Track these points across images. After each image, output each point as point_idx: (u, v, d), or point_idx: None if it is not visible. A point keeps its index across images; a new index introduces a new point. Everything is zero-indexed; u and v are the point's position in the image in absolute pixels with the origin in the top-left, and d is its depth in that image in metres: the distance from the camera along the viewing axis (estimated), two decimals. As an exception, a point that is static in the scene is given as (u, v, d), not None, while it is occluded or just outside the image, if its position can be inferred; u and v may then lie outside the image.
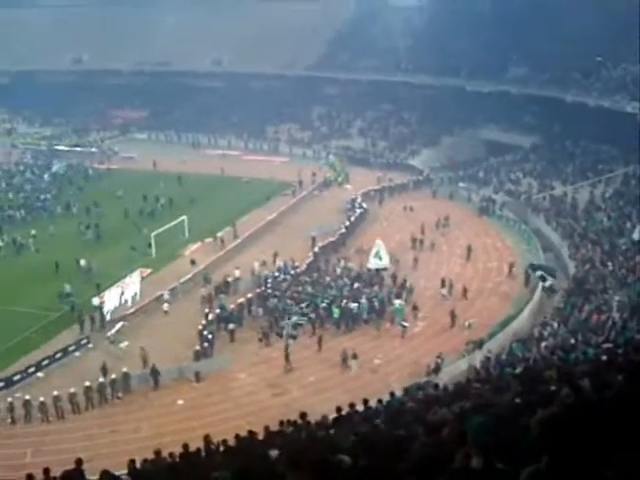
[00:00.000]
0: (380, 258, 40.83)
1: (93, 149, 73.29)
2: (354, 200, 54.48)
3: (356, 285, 38.65)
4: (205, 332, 33.28)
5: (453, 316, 35.36)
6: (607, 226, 43.76)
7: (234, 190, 57.70)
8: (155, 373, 30.13)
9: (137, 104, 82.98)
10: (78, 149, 72.84)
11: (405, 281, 39.34)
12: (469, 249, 44.55)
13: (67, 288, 38.16)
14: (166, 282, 39.61)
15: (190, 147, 73.66)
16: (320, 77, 77.59)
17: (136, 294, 38.26)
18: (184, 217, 47.47)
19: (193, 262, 43.30)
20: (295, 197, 56.85)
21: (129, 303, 37.58)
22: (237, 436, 15.32)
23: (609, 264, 37.68)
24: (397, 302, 36.64)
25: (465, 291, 38.55)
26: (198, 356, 32.09)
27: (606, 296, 33.38)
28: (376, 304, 36.35)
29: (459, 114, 67.26)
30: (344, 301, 36.14)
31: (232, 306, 36.34)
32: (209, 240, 46.68)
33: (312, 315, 35.65)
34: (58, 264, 41.49)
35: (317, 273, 41.15)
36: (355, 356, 31.48)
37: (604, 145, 56.16)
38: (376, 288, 38.72)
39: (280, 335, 34.06)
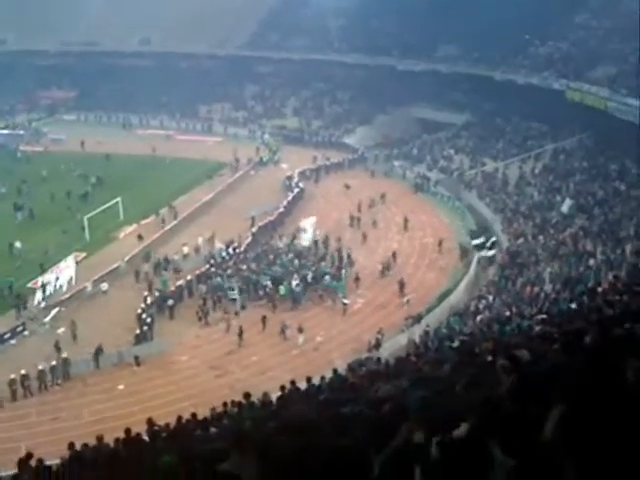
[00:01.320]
0: (307, 234, 41.49)
1: (21, 131, 70.93)
2: (291, 179, 54.49)
3: (300, 261, 39.13)
4: (144, 315, 32.92)
5: (402, 285, 36.31)
6: (537, 200, 45.03)
7: (168, 171, 56.86)
8: (98, 353, 29.96)
9: (65, 85, 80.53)
10: (5, 131, 70.39)
11: (348, 256, 39.89)
12: (406, 220, 45.71)
13: None
14: (101, 265, 38.92)
15: (121, 128, 72.05)
16: (252, 56, 76.70)
17: (72, 278, 37.47)
18: (118, 199, 46.57)
19: (140, 237, 43.54)
20: (231, 177, 56.43)
21: (64, 288, 36.77)
22: (179, 419, 15.27)
23: (540, 237, 38.88)
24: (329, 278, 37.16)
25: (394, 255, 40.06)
26: (138, 340, 31.76)
27: (539, 268, 34.46)
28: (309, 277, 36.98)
29: (392, 93, 67.68)
30: (289, 278, 36.54)
31: (172, 288, 36.15)
32: (145, 222, 46.07)
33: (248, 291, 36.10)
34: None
35: (260, 250, 41.26)
36: (301, 330, 31.92)
37: (534, 122, 57.55)
38: (322, 264, 39.26)
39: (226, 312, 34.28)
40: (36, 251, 40.23)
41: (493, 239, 39.45)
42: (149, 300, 34.52)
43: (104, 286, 36.94)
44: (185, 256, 40.72)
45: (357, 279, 37.57)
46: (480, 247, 38.53)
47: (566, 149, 51.89)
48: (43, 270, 37.29)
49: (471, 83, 62.72)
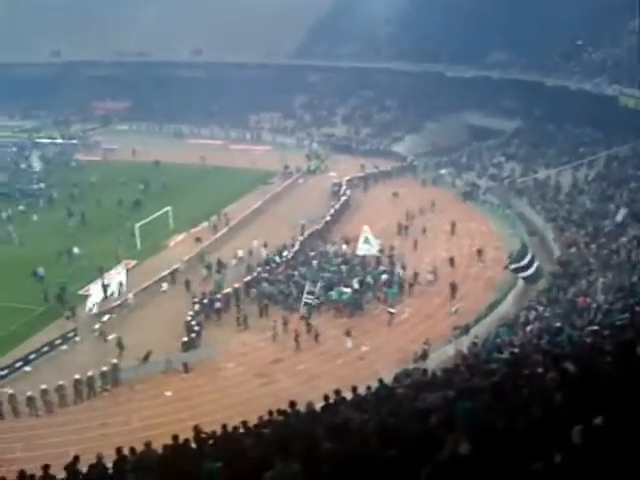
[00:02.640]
0: (370, 244, 41.00)
1: (75, 141, 72.82)
2: (339, 187, 54.55)
3: (348, 267, 39.39)
4: (192, 322, 33.25)
5: (454, 288, 36.26)
6: (590, 209, 44.07)
7: (217, 180, 57.57)
8: (147, 358, 30.65)
9: (118, 95, 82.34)
10: (60, 141, 72.34)
11: (402, 266, 39.83)
12: (453, 225, 45.84)
13: (40, 271, 38.74)
14: (151, 273, 39.54)
15: (172, 137, 73.31)
16: (301, 65, 77.37)
17: (122, 286, 38.10)
18: (169, 208, 47.30)
19: (199, 239, 45.04)
20: (280, 186, 56.79)
21: (115, 295, 37.42)
22: (224, 427, 15.32)
23: (593, 246, 38.00)
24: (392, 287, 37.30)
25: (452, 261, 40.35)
26: (186, 347, 32.06)
27: (591, 278, 33.67)
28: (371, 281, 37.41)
29: (441, 100, 67.39)
30: (342, 284, 36.99)
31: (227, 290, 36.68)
32: (194, 230, 46.68)
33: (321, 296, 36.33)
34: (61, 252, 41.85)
35: (312, 258, 41.41)
36: (349, 333, 32.09)
37: (586, 128, 56.48)
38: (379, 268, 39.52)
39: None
40: (89, 258, 41.08)
41: (529, 257, 38.18)
42: (197, 307, 34.89)
43: (164, 286, 38.20)
44: (240, 259, 41.46)
45: (411, 285, 37.53)
46: (519, 270, 37.38)
47: (619, 156, 50.71)
48: (102, 273, 38.07)
49: (522, 89, 61.97)
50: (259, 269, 39.41)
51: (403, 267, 39.56)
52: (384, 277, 38.13)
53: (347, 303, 35.67)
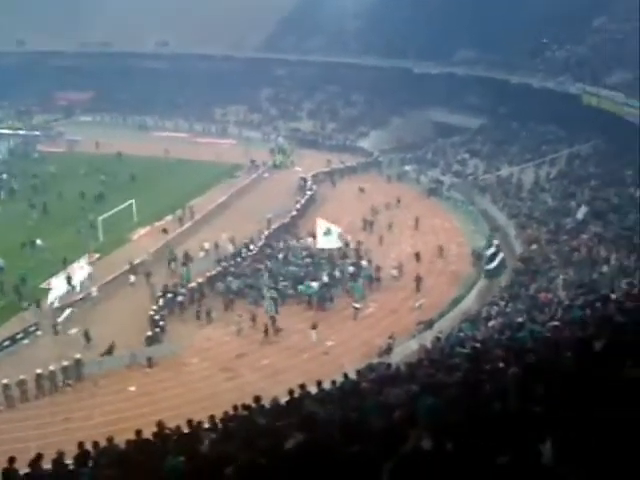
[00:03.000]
0: (330, 235, 41.09)
1: (37, 132, 71.58)
2: (304, 182, 54.58)
3: (315, 261, 39.64)
4: (156, 317, 33.01)
5: (419, 281, 36.65)
6: (552, 206, 44.74)
7: (182, 173, 57.12)
8: (111, 351, 30.63)
9: (81, 86, 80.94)
10: (22, 132, 71.02)
11: (369, 260, 40.00)
12: (417, 220, 46.36)
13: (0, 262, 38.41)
14: (115, 267, 39.11)
15: (136, 130, 72.47)
16: (268, 58, 77.01)
17: (85, 279, 37.63)
18: (132, 201, 46.80)
19: (165, 231, 44.84)
20: (245, 180, 56.57)
21: (77, 289, 36.93)
22: (189, 422, 15.26)
23: (554, 243, 38.61)
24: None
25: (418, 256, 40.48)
26: (150, 342, 31.82)
27: (552, 275, 34.22)
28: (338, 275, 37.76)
29: (407, 96, 67.70)
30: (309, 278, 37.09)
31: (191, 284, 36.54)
32: (159, 223, 46.30)
33: (289, 291, 36.45)
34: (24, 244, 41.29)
35: (278, 251, 41.50)
36: (315, 326, 32.27)
37: (549, 126, 57.27)
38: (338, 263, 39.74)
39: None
40: (51, 250, 40.48)
41: (492, 250, 39.02)
42: (161, 302, 34.62)
43: (132, 278, 38.00)
44: (207, 252, 41.48)
45: (376, 279, 37.79)
46: (491, 258, 38.12)
47: (581, 154, 51.56)
48: (65, 265, 37.64)
49: (487, 87, 62.54)
50: (224, 263, 39.28)
51: (369, 261, 39.74)
52: (351, 269, 38.39)
53: (316, 297, 35.77)
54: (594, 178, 46.51)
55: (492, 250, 39.43)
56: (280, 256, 40.53)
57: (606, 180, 45.45)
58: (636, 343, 8.34)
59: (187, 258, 40.46)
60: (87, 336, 31.57)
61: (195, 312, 34.71)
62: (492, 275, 38.00)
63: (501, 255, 38.77)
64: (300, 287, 36.39)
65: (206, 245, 42.04)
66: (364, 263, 39.40)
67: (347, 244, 41.96)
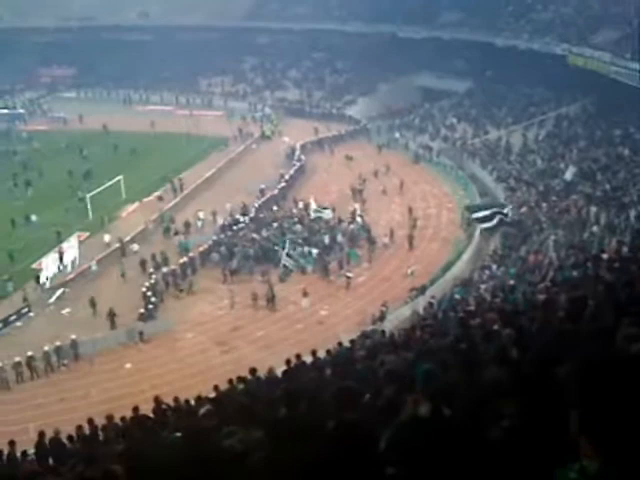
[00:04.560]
0: (320, 212, 41.40)
1: (21, 110, 70.61)
2: (293, 152, 54.29)
3: (312, 228, 39.95)
4: (149, 294, 32.94)
5: (411, 239, 37.63)
6: (541, 168, 44.73)
7: (169, 147, 56.59)
8: (112, 315, 31.06)
9: (64, 62, 79.72)
10: (5, 111, 69.99)
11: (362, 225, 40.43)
12: (401, 184, 46.72)
13: None
14: (105, 245, 38.98)
15: (121, 104, 71.63)
16: (251, 27, 75.98)
17: (75, 259, 37.46)
18: (120, 177, 46.37)
19: (161, 198, 45.88)
20: (233, 152, 56.19)
21: (69, 269, 36.77)
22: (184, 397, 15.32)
23: (544, 205, 38.66)
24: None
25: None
26: (143, 319, 31.81)
27: (542, 236, 34.33)
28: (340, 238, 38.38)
29: (393, 61, 67.05)
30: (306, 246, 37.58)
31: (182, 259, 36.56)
32: (147, 199, 46.03)
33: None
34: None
35: (273, 220, 41.74)
36: (306, 293, 32.57)
37: (536, 88, 56.96)
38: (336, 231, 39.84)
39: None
40: (45, 226, 40.30)
41: (495, 209, 38.87)
42: (153, 278, 34.52)
43: (135, 247, 38.26)
44: (203, 222, 42.07)
45: (373, 241, 38.20)
46: (483, 220, 38.05)
47: (569, 115, 51.43)
48: (59, 238, 37.82)
49: (473, 50, 61.99)
50: (221, 235, 39.51)
51: (364, 220, 40.44)
52: (352, 227, 39.29)
53: (312, 265, 36.15)
54: (582, 139, 46.51)
55: (490, 211, 39.16)
56: (275, 225, 40.67)
57: (594, 140, 45.46)
58: (629, 301, 8.35)
59: (187, 226, 40.79)
60: (93, 303, 31.93)
61: (186, 286, 34.73)
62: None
63: (499, 217, 38.49)
64: (301, 260, 36.57)
65: (201, 215, 42.39)
66: (359, 220, 40.12)
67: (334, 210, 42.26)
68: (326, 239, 37.94)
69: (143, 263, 36.43)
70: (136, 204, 45.52)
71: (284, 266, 35.68)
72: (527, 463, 4.29)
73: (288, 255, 36.22)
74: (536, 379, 5.68)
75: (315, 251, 36.79)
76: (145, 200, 45.95)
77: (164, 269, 35.61)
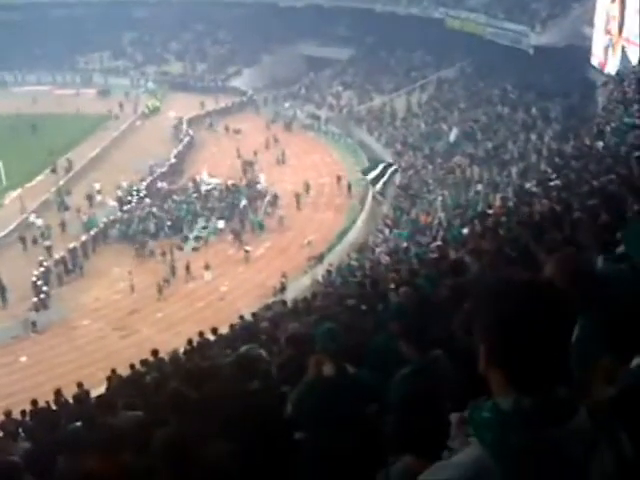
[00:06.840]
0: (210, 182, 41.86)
1: None
2: (179, 127, 53.25)
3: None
4: (39, 283, 31.65)
5: (297, 197, 38.98)
6: (425, 131, 45.95)
7: (49, 128, 54.01)
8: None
9: None
10: None
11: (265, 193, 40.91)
12: (283, 154, 47.03)
13: None
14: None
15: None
16: (127, 1, 73.27)
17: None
18: (-1, 163, 44.05)
19: (54, 171, 44.67)
20: (117, 130, 54.43)
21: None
22: (80, 385, 14.91)
23: (430, 167, 39.86)
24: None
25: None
26: (36, 308, 30.61)
27: (430, 198, 35.45)
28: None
29: (275, 31, 66.59)
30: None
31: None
32: (31, 185, 44.00)
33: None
34: None
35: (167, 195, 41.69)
36: (207, 266, 32.50)
37: (416, 52, 58.16)
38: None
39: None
40: None
41: (383, 164, 39.49)
42: (46, 264, 33.12)
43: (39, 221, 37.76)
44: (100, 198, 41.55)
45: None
46: (376, 179, 38.64)
47: (449, 78, 52.90)
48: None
49: (353, 16, 62.33)
50: (118, 212, 39.17)
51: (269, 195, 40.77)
52: (258, 187, 40.64)
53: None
54: (462, 100, 48.01)
55: (380, 169, 39.74)
56: (174, 198, 40.68)
57: (474, 101, 47.05)
58: (521, 255, 8.77)
59: (90, 201, 40.40)
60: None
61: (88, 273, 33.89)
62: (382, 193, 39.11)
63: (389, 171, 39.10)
64: (203, 232, 37.03)
65: (97, 186, 42.11)
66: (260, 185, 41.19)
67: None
68: (243, 201, 38.70)
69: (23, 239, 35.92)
70: (19, 190, 43.35)
71: (185, 238, 35.45)
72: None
73: (204, 227, 36.61)
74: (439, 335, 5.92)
75: (222, 221, 37.26)
76: (28, 185, 43.88)
77: (55, 255, 34.30)
